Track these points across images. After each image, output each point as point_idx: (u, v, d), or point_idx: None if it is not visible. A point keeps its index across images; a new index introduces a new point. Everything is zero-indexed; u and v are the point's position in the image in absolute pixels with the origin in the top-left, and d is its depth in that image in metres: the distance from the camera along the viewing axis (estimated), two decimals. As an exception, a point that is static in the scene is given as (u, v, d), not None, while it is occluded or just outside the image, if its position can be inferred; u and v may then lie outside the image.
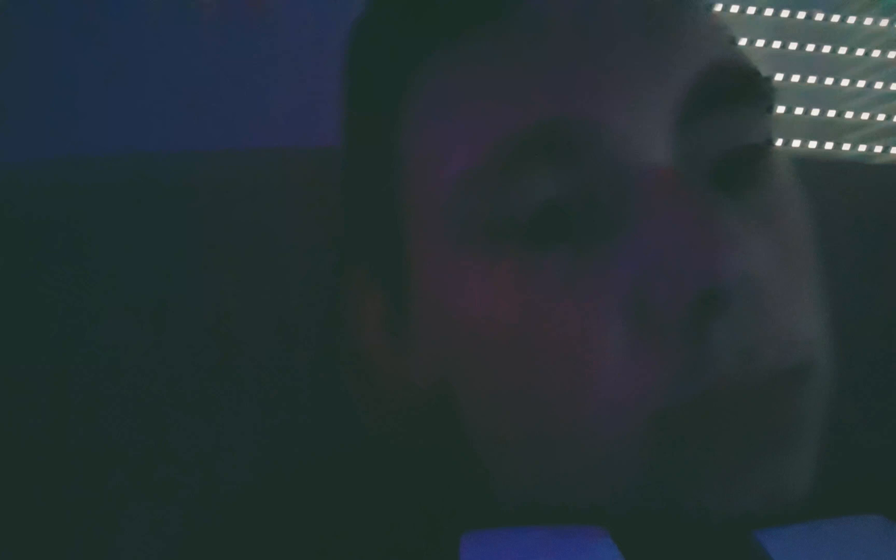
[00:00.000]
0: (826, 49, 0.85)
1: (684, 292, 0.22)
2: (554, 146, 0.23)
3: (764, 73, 0.26)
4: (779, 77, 0.84)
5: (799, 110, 0.85)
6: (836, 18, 0.86)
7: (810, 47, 0.85)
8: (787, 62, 0.85)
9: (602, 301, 0.23)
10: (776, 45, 0.84)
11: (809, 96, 0.86)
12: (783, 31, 0.84)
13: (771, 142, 0.26)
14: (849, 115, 0.87)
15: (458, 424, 0.27)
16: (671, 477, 0.23)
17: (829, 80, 0.86)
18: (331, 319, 0.34)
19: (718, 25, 0.27)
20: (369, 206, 0.30)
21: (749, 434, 0.22)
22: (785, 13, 0.84)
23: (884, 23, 0.86)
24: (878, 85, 0.87)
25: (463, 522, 0.23)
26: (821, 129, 0.86)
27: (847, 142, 0.87)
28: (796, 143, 0.84)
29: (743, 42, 0.83)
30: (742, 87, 0.25)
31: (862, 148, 0.87)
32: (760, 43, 0.84)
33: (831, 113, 0.86)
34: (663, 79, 0.24)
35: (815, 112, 0.85)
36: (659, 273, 0.22)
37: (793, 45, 0.85)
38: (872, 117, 0.87)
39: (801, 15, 0.85)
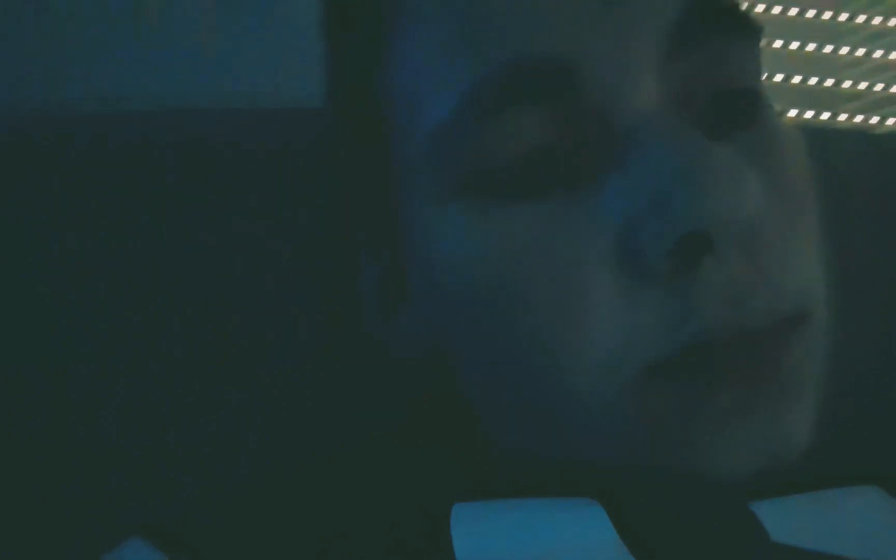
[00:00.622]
0: (826, 16, 0.84)
1: (672, 234, 0.21)
2: (532, 86, 0.23)
3: (764, 39, 0.25)
4: (777, 44, 0.83)
5: (797, 79, 0.84)
6: (837, -15, 0.84)
7: (810, 14, 0.84)
8: (787, 29, 0.84)
9: (589, 247, 0.22)
10: (776, 10, 0.83)
11: (808, 64, 0.85)
12: (766, 30, 0.83)
13: (761, 82, 0.25)
14: (847, 84, 0.86)
15: (453, 389, 0.27)
16: (664, 431, 0.22)
17: (828, 48, 0.85)
18: (330, 296, 0.34)
19: None
20: (355, 170, 0.29)
21: (743, 385, 0.22)
22: (786, -22, 0.83)
23: (885, -10, 0.85)
24: (878, 53, 0.86)
25: (457, 493, 0.23)
26: (818, 98, 0.85)
27: (845, 111, 0.86)
28: (793, 112, 0.83)
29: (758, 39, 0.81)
30: (728, 20, 0.24)
31: (859, 118, 0.86)
32: (760, 8, 0.82)
33: (829, 82, 0.85)
34: (647, 14, 0.23)
35: (813, 81, 0.85)
36: (646, 215, 0.21)
37: (793, 11, 0.84)
38: (871, 87, 0.86)
39: (803, -20, 0.83)
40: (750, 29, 0.25)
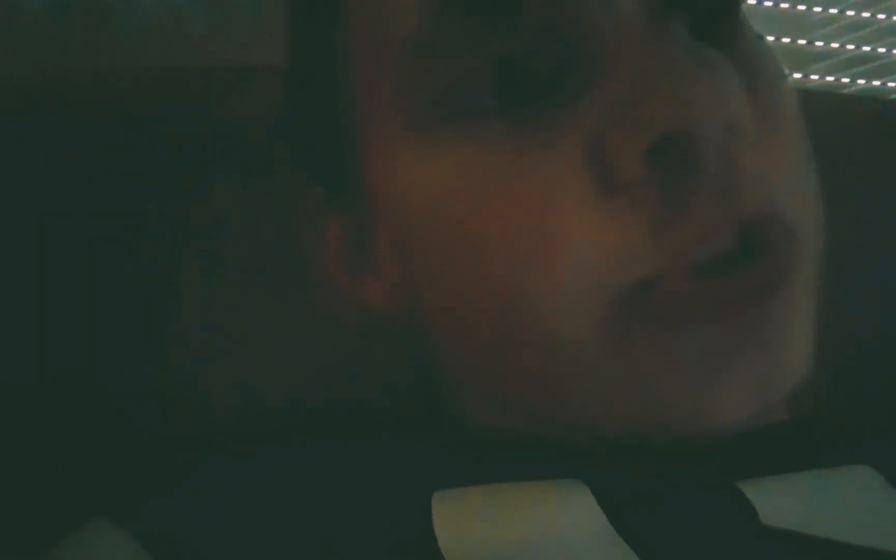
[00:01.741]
0: (800, -27, 0.84)
1: (645, 134, 0.20)
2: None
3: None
4: (751, 2, 0.82)
5: (769, 38, 0.83)
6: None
7: (784, -29, 0.83)
8: (760, -14, 0.83)
9: (559, 163, 0.21)
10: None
11: (781, 23, 0.84)
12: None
13: (739, 4, 0.24)
14: (819, 43, 0.85)
15: (426, 344, 0.26)
16: (648, 367, 0.21)
17: (801, 7, 0.84)
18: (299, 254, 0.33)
19: None
20: (318, 114, 0.28)
21: (729, 306, 0.21)
22: (760, -66, 0.81)
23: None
24: (850, 12, 0.85)
25: (437, 476, 0.22)
26: (790, 57, 0.85)
27: (816, 72, 0.86)
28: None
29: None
30: None
31: (830, 78, 0.86)
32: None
33: (802, 41, 0.85)
34: None
35: (786, 39, 0.84)
36: (621, 119, 0.20)
37: (766, -31, 0.83)
38: (843, 46, 0.86)
39: (776, -64, 0.82)
40: None
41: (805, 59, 0.86)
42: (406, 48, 0.23)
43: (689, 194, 0.20)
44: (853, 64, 0.87)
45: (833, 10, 0.85)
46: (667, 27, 0.22)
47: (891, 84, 0.88)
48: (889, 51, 0.87)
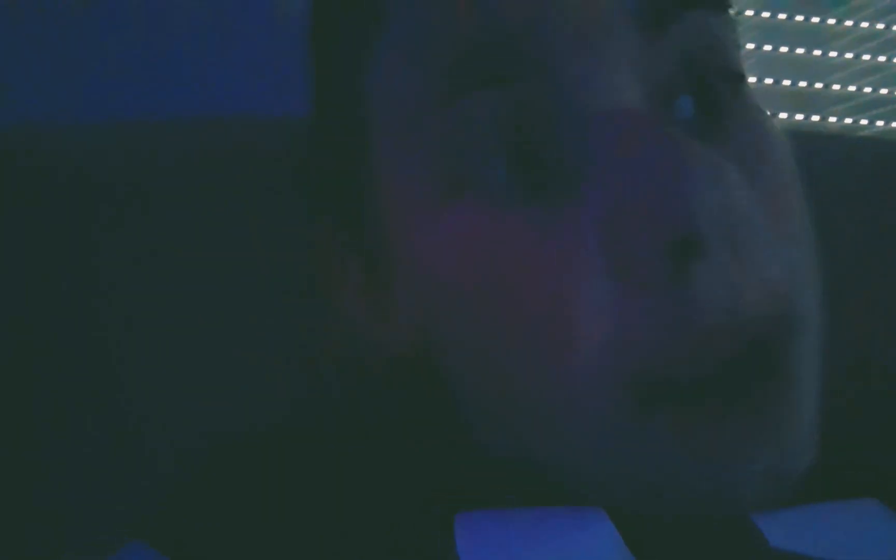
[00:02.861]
0: (815, 19, 0.85)
1: (659, 236, 0.20)
2: (495, 71, 0.22)
3: (753, 43, 0.25)
4: (767, 48, 0.84)
5: (786, 82, 0.85)
6: (825, -11, 0.85)
7: (799, 18, 0.85)
8: (776, 33, 0.84)
9: (573, 255, 0.22)
10: (765, 14, 0.83)
11: (797, 68, 0.85)
12: (772, 1, 0.84)
13: (743, 76, 0.25)
14: (836, 87, 0.86)
15: (442, 389, 0.26)
16: (662, 451, 0.22)
17: (817, 52, 0.86)
18: (311, 291, 0.34)
19: None
20: (342, 169, 0.29)
21: (744, 396, 0.21)
22: (774, -17, 0.83)
23: (872, -7, 0.86)
24: (866, 57, 0.86)
25: (456, 504, 0.22)
26: (808, 101, 0.86)
27: (833, 114, 0.87)
28: (783, 115, 0.84)
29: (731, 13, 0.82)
30: None
31: (848, 120, 0.87)
32: (750, 13, 0.83)
33: (819, 85, 0.86)
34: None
35: (803, 84, 0.85)
36: (632, 218, 0.21)
37: (782, 16, 0.84)
38: (859, 89, 0.87)
39: (791, -15, 0.84)
40: (718, 2, 0.24)
41: (823, 103, 0.87)
42: (420, 117, 0.24)
43: (699, 292, 0.21)
44: (870, 107, 0.87)
45: (849, 55, 0.86)
46: (669, 113, 0.23)
47: (909, 126, 0.88)
48: (907, 93, 0.88)
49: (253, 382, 0.36)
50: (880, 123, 0.87)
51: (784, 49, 0.85)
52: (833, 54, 0.86)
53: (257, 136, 0.39)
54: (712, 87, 0.24)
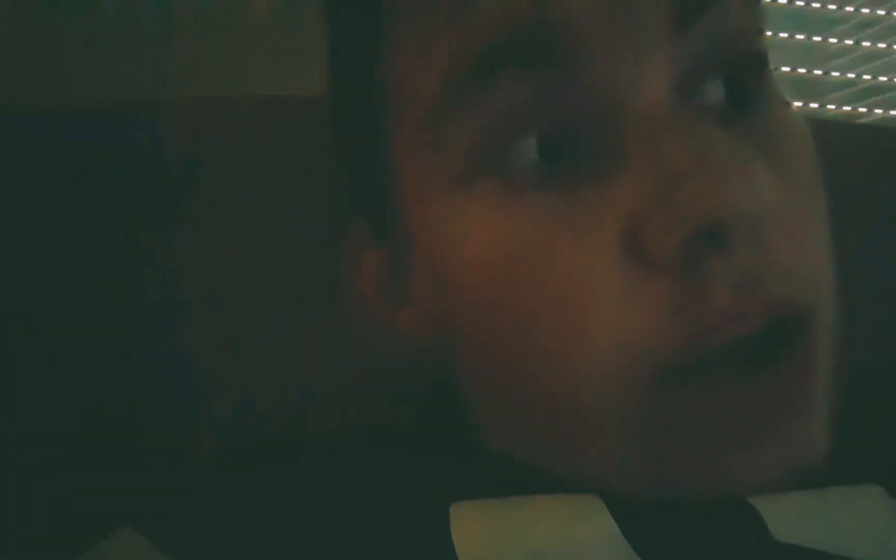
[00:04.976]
0: (815, 5, 0.84)
1: (683, 226, 0.20)
2: (520, 58, 0.22)
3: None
4: (767, 33, 0.83)
5: (786, 68, 0.84)
6: (825, -26, 0.85)
7: (799, 3, 0.84)
8: (776, 19, 0.84)
9: (596, 240, 0.22)
10: (765, 0, 0.83)
11: (797, 53, 0.85)
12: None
13: (767, 62, 0.25)
14: (835, 73, 0.86)
15: (456, 379, 0.26)
16: (677, 438, 0.22)
17: (816, 38, 0.85)
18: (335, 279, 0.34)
19: None
20: (361, 156, 0.29)
21: (760, 385, 0.21)
22: (775, -32, 0.83)
23: (873, -21, 0.85)
24: (866, 43, 0.86)
25: (454, 494, 0.22)
26: (807, 88, 0.86)
27: (832, 102, 0.87)
28: (782, 102, 0.83)
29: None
30: None
31: (847, 108, 0.87)
32: (749, -2, 0.82)
33: (818, 72, 0.86)
34: None
35: (802, 70, 0.85)
36: (656, 207, 0.21)
37: (782, 1, 0.84)
38: (859, 76, 0.86)
39: (792, -30, 0.84)
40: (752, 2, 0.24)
41: (822, 90, 0.87)
42: (445, 103, 0.23)
43: (719, 280, 0.21)
44: (869, 94, 0.87)
45: (849, 42, 0.86)
46: (699, 104, 0.23)
47: (908, 113, 0.88)
48: (906, 81, 0.87)
49: (266, 375, 0.36)
50: (879, 111, 0.87)
51: (784, 35, 0.84)
52: (833, 41, 0.86)
53: (277, 119, 0.39)
54: (739, 74, 0.24)
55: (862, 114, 0.87)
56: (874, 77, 0.86)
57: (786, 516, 0.21)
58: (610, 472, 0.23)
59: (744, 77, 0.24)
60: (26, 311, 0.35)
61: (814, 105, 0.86)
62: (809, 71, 0.85)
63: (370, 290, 0.29)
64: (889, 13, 0.86)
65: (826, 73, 0.86)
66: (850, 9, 0.86)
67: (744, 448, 0.21)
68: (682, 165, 0.21)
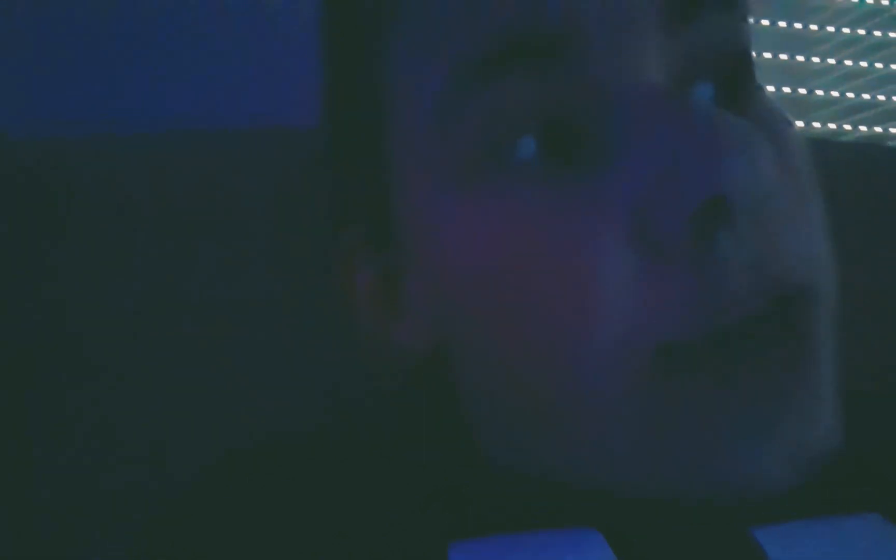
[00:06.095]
0: (797, 26, 0.86)
1: (688, 202, 0.20)
2: (527, 58, 0.22)
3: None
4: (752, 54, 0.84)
5: (770, 87, 0.85)
6: (807, -5, 0.86)
7: (782, 24, 0.86)
8: (759, 39, 0.85)
9: (601, 227, 0.22)
10: (749, 21, 0.84)
11: (781, 73, 0.86)
12: (755, 8, 0.85)
13: (755, 77, 0.25)
14: (819, 92, 0.87)
15: (454, 389, 0.26)
16: (682, 425, 0.21)
17: (800, 58, 0.86)
18: (328, 294, 0.34)
19: None
20: (356, 165, 0.29)
21: (766, 371, 0.21)
22: (757, -10, 0.84)
23: (853, -1, 0.87)
24: (848, 62, 0.87)
25: (454, 528, 0.22)
26: (792, 106, 0.87)
27: (817, 120, 0.88)
28: (767, 121, 0.84)
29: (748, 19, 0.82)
30: None
31: (832, 125, 0.88)
32: (733, 20, 0.83)
33: (802, 90, 0.87)
34: None
35: (787, 89, 0.86)
36: (659, 187, 0.21)
37: (765, 22, 0.85)
38: (842, 94, 0.88)
39: (773, -9, 0.85)
40: (738, 4, 0.25)
41: (806, 108, 0.88)
42: (449, 102, 0.24)
43: (725, 260, 0.21)
44: (854, 111, 0.88)
45: (831, 61, 0.87)
46: (693, 94, 0.23)
47: (892, 130, 0.89)
48: (889, 98, 0.88)
49: (265, 385, 0.36)
50: (864, 128, 0.88)
51: (767, 55, 0.85)
52: (815, 60, 0.87)
53: (268, 145, 0.39)
54: (729, 80, 0.24)
55: (847, 132, 0.88)
56: (857, 94, 0.88)
57: (784, 544, 0.21)
58: (620, 468, 0.22)
59: (733, 85, 0.24)
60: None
61: (800, 124, 0.87)
62: (794, 90, 0.86)
63: (365, 299, 0.29)
64: (869, 32, 0.88)
65: (810, 91, 0.87)
66: (830, 29, 0.87)
67: (753, 430, 0.21)
68: (684, 144, 0.21)
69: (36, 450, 0.34)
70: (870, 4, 0.87)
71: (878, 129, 0.88)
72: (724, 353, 0.21)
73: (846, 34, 0.87)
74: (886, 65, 0.87)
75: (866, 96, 0.88)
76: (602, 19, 0.22)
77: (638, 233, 0.21)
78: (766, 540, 0.21)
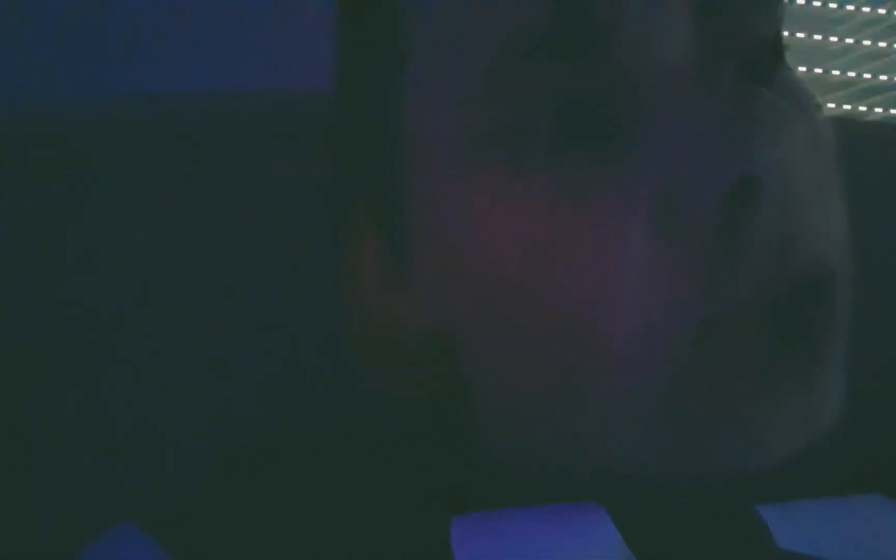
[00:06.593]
0: (816, 4, 0.85)
1: (714, 183, 0.20)
2: (564, 38, 0.22)
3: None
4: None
5: (786, 67, 0.84)
6: (827, -27, 0.85)
7: (800, 2, 0.84)
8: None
9: (627, 208, 0.22)
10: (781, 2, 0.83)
11: (798, 52, 0.85)
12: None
13: (783, 53, 0.25)
14: (835, 72, 0.86)
15: (460, 375, 0.26)
16: (705, 403, 0.21)
17: (817, 37, 0.85)
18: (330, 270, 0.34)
19: None
20: (365, 137, 0.28)
21: (789, 345, 0.21)
22: (776, -34, 0.83)
23: (875, -22, 0.86)
24: (867, 42, 0.86)
25: (456, 503, 0.22)
26: (808, 86, 0.86)
27: (832, 101, 0.87)
28: (782, 101, 0.83)
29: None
30: None
31: (847, 107, 0.87)
32: None
33: (818, 70, 0.86)
34: None
35: (803, 69, 0.85)
36: (686, 168, 0.21)
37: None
38: (859, 75, 0.87)
39: (793, -31, 0.84)
40: None
41: (822, 89, 0.87)
42: (473, 81, 0.23)
43: (751, 240, 0.21)
44: (870, 93, 0.87)
45: (849, 40, 0.86)
46: (722, 73, 0.23)
47: (909, 112, 0.88)
48: (906, 80, 0.87)
49: (266, 385, 0.36)
50: (879, 110, 0.87)
51: (784, 34, 0.84)
52: (833, 39, 0.86)
53: (275, 110, 0.39)
54: (758, 60, 0.24)
55: (863, 113, 0.87)
56: (875, 76, 0.87)
57: (790, 525, 0.21)
58: (631, 449, 0.22)
59: (762, 65, 0.24)
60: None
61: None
62: (810, 69, 0.85)
63: (370, 277, 0.29)
64: (890, 12, 0.86)
65: (826, 71, 0.86)
66: (850, 8, 0.86)
67: (764, 411, 0.21)
68: (710, 124, 0.21)
69: (36, 450, 0.34)
70: (891, -16, 0.86)
71: (895, 111, 0.87)
72: (741, 334, 0.21)
73: (866, 14, 0.86)
74: (905, 46, 0.86)
75: (884, 78, 0.87)
76: (630, 2, 0.22)
77: (664, 214, 0.21)
78: (770, 517, 0.21)
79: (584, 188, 0.22)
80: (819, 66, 0.86)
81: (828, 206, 0.23)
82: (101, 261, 0.36)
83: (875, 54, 0.87)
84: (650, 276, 0.21)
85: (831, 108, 0.86)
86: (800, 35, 0.85)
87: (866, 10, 0.86)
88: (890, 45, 0.87)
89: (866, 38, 0.86)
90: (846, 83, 0.87)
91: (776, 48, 0.25)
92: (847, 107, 0.87)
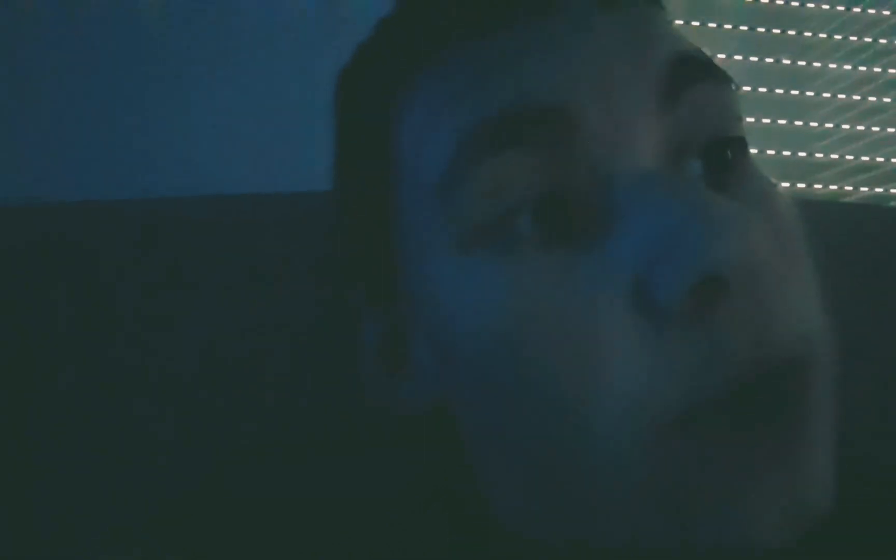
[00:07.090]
0: (794, 92, 0.88)
1: (689, 276, 0.21)
2: (526, 134, 0.23)
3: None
4: (751, 120, 0.87)
5: (771, 151, 0.87)
6: (802, 63, 0.89)
7: (779, 90, 0.88)
8: (758, 105, 0.88)
9: (604, 294, 0.22)
10: (746, 88, 0.87)
11: (781, 138, 0.88)
12: (753, 75, 0.87)
13: (746, 142, 0.26)
14: (819, 155, 0.89)
15: (457, 452, 0.26)
16: (689, 486, 0.22)
17: (798, 122, 0.89)
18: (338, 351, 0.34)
19: (673, 23, 0.27)
20: (364, 226, 0.29)
21: (768, 434, 0.21)
22: (754, 58, 0.87)
23: (846, 67, 0.90)
24: (846, 126, 0.90)
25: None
26: (793, 169, 0.88)
27: (818, 182, 0.89)
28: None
29: (734, 87, 0.84)
30: (707, 72, 0.25)
31: (833, 187, 0.89)
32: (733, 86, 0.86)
33: (802, 153, 0.89)
34: (637, 66, 0.24)
35: (787, 153, 0.88)
36: (661, 261, 0.21)
37: (762, 89, 0.88)
38: (842, 157, 0.90)
39: (769, 60, 0.88)
40: (724, 77, 0.26)
41: (809, 170, 0.89)
42: (451, 173, 0.25)
43: (727, 330, 0.22)
44: (855, 173, 0.90)
45: (829, 125, 0.89)
46: (685, 170, 0.24)
47: (893, 190, 0.91)
48: (888, 159, 0.90)
49: (267, 389, 0.35)
50: (864, 189, 0.90)
51: (767, 120, 0.88)
52: (814, 124, 0.89)
53: (282, 209, 0.40)
54: (720, 150, 0.25)
55: (849, 192, 0.90)
56: (856, 157, 0.90)
57: None
58: (619, 530, 0.23)
59: (725, 153, 0.25)
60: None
61: (802, 185, 0.88)
62: (794, 153, 0.88)
63: (369, 357, 0.29)
64: (863, 98, 0.90)
65: (810, 154, 0.89)
66: (827, 95, 0.90)
67: (750, 495, 0.21)
68: (680, 220, 0.21)
69: (36, 450, 0.34)
70: (863, 71, 0.90)
71: (880, 190, 0.90)
72: (723, 421, 0.21)
73: (842, 100, 0.90)
74: (883, 128, 0.90)
75: (865, 158, 0.90)
76: (596, 97, 0.23)
77: (640, 300, 0.22)
78: None
79: (561, 276, 0.23)
80: (803, 150, 0.89)
81: (798, 294, 0.24)
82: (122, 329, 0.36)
83: (856, 136, 0.90)
84: (630, 361, 0.22)
85: (818, 188, 0.88)
86: (781, 121, 0.88)
87: (842, 96, 0.90)
88: (867, 128, 0.90)
89: (845, 123, 0.90)
90: (830, 164, 0.90)
91: (736, 140, 0.26)
92: (833, 187, 0.89)
